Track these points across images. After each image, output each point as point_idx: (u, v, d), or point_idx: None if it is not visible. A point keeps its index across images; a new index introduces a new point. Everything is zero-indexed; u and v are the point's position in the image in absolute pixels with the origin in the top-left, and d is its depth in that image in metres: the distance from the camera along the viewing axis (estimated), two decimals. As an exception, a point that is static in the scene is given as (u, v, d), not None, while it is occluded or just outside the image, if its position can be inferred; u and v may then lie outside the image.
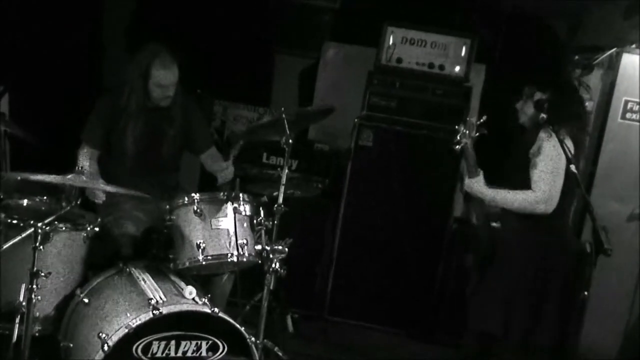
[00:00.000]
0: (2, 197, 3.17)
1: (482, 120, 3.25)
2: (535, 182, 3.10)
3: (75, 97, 4.42)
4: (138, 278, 3.05)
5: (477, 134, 3.25)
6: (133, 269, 3.13)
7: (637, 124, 4.46)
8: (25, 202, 3.28)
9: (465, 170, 3.35)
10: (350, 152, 4.49)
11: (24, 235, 2.78)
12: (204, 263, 3.05)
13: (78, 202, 3.01)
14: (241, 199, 3.14)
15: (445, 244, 4.48)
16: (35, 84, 4.31)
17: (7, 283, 2.91)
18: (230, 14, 4.94)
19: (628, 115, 4.48)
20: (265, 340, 3.29)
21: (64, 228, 3.03)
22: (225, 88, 4.98)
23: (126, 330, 2.68)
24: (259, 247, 3.15)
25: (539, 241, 3.20)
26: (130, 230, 3.36)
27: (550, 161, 3.08)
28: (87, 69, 4.95)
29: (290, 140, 3.22)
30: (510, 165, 3.33)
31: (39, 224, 2.75)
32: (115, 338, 2.67)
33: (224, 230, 3.08)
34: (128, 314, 2.77)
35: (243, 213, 3.13)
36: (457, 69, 4.46)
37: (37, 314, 2.93)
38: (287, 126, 3.21)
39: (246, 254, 3.08)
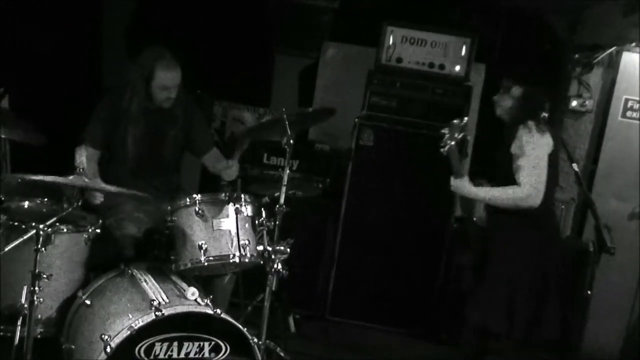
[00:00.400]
0: (3, 199, 3.16)
1: (464, 122, 3.27)
2: (520, 177, 3.13)
3: (75, 97, 4.41)
4: (140, 279, 3.04)
5: (462, 135, 3.27)
6: (135, 271, 3.12)
7: (638, 122, 4.47)
8: (26, 204, 3.27)
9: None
10: (351, 152, 4.49)
11: (25, 237, 2.78)
12: (205, 264, 3.05)
13: (79, 204, 3.00)
14: (243, 199, 3.14)
15: (446, 244, 4.48)
16: (35, 84, 4.30)
17: (9, 285, 2.91)
18: (229, 14, 4.93)
19: (628, 113, 4.49)
20: (267, 341, 3.28)
21: (65, 230, 3.02)
22: (225, 89, 4.98)
23: (128, 332, 2.68)
24: (260, 247, 3.15)
25: (528, 235, 3.24)
26: (132, 231, 3.36)
27: (531, 155, 3.12)
28: (87, 69, 4.94)
29: (292, 141, 3.22)
30: (494, 162, 3.37)
31: (41, 226, 2.74)
32: (117, 340, 2.66)
33: (226, 231, 3.07)
34: (130, 316, 2.77)
35: (245, 214, 3.13)
36: (457, 68, 4.46)
37: (39, 316, 2.92)
38: (288, 126, 3.20)
39: (248, 255, 3.08)
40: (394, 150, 4.45)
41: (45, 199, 3.28)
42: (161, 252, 3.26)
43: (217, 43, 4.93)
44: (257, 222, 3.18)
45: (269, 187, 3.67)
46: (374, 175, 4.48)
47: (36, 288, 2.72)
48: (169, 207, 3.16)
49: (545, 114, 3.20)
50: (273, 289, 3.19)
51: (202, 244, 3.03)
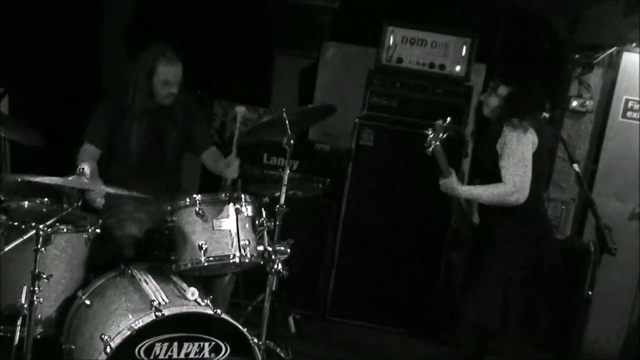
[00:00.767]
0: (3, 199, 3.16)
1: (447, 122, 3.29)
2: (505, 174, 3.17)
3: (75, 97, 4.41)
4: (140, 279, 3.04)
5: (445, 135, 3.30)
6: (135, 271, 3.12)
7: (638, 122, 4.47)
8: (26, 204, 3.27)
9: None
10: (351, 152, 4.49)
11: (25, 237, 2.77)
12: (206, 264, 3.05)
13: (79, 204, 3.00)
14: (243, 199, 3.14)
15: (445, 244, 4.48)
16: (35, 85, 4.30)
17: (9, 285, 2.90)
18: (229, 14, 4.92)
19: (629, 114, 4.49)
20: (267, 341, 3.28)
21: (65, 230, 3.02)
22: (225, 88, 4.97)
23: (128, 332, 2.68)
24: (261, 248, 3.15)
25: (517, 231, 3.27)
26: (132, 231, 3.36)
27: (516, 153, 3.16)
28: (87, 69, 4.93)
29: (292, 141, 3.21)
30: (480, 159, 3.39)
31: (41, 226, 2.74)
32: (117, 340, 2.66)
33: (226, 231, 3.07)
34: (130, 316, 2.77)
35: (245, 214, 3.13)
36: (458, 68, 4.46)
37: (39, 316, 2.92)
38: (288, 126, 3.20)
39: (248, 255, 3.07)
40: (394, 150, 4.45)
41: (45, 199, 3.28)
42: (161, 252, 3.26)
43: (217, 43, 4.92)
44: (257, 222, 3.18)
45: (269, 187, 3.67)
46: (374, 175, 4.48)
47: (36, 288, 2.72)
48: (169, 207, 3.15)
49: (546, 115, 3.22)
50: (273, 289, 3.19)
51: (202, 244, 3.03)
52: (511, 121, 3.19)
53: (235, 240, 3.05)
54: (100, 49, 5.11)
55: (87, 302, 2.98)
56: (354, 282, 4.55)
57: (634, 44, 4.40)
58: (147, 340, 2.71)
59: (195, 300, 2.89)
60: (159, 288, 2.95)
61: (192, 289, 2.91)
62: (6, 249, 2.77)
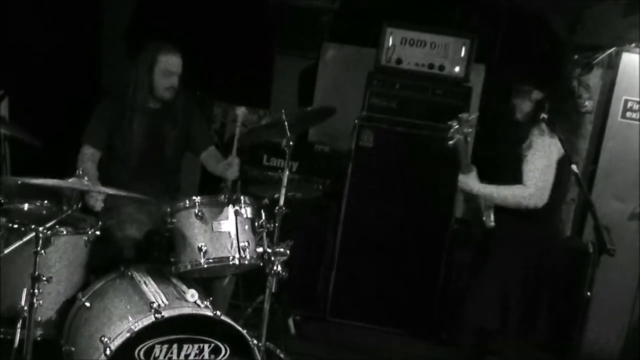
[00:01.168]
0: (2, 201, 3.16)
1: (474, 116, 3.28)
2: (527, 177, 3.16)
3: (75, 98, 4.41)
4: (140, 281, 3.04)
5: (470, 129, 3.27)
6: (135, 273, 3.12)
7: (637, 122, 4.47)
8: (26, 206, 3.26)
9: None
10: (351, 153, 4.49)
11: (25, 239, 2.77)
12: (205, 266, 3.05)
13: (79, 206, 3.01)
14: (242, 201, 3.14)
15: (445, 244, 4.48)
16: (35, 86, 4.30)
17: (9, 287, 2.90)
18: (229, 15, 4.93)
19: (628, 114, 4.49)
20: (267, 343, 3.28)
21: (65, 232, 3.02)
22: (225, 90, 4.97)
23: (128, 334, 2.68)
24: (260, 249, 3.15)
25: (530, 235, 3.26)
26: (132, 233, 3.36)
27: (541, 156, 3.15)
28: (87, 69, 4.94)
29: (291, 142, 3.22)
30: (502, 160, 3.38)
31: (40, 228, 2.74)
32: (117, 342, 2.66)
33: (225, 233, 3.07)
34: (130, 318, 2.77)
35: (244, 215, 3.13)
36: (457, 69, 4.45)
37: (39, 318, 2.92)
38: (287, 128, 3.20)
39: (248, 257, 3.07)
40: (394, 151, 4.45)
41: (45, 201, 3.27)
42: (161, 254, 3.26)
43: (217, 44, 4.93)
44: (256, 223, 3.17)
45: (268, 188, 3.67)
46: (373, 176, 4.48)
47: (36, 290, 2.72)
48: (169, 209, 3.15)
49: (544, 115, 3.21)
50: (273, 290, 3.19)
51: (201, 245, 3.03)
52: (540, 125, 3.18)
53: (235, 242, 3.05)
54: (100, 49, 5.11)
55: (87, 304, 2.98)
56: (354, 283, 4.55)
57: (633, 45, 4.40)
58: (146, 342, 2.71)
59: (195, 302, 2.89)
60: (158, 290, 2.95)
61: (192, 290, 2.92)
62: (6, 251, 2.77)
